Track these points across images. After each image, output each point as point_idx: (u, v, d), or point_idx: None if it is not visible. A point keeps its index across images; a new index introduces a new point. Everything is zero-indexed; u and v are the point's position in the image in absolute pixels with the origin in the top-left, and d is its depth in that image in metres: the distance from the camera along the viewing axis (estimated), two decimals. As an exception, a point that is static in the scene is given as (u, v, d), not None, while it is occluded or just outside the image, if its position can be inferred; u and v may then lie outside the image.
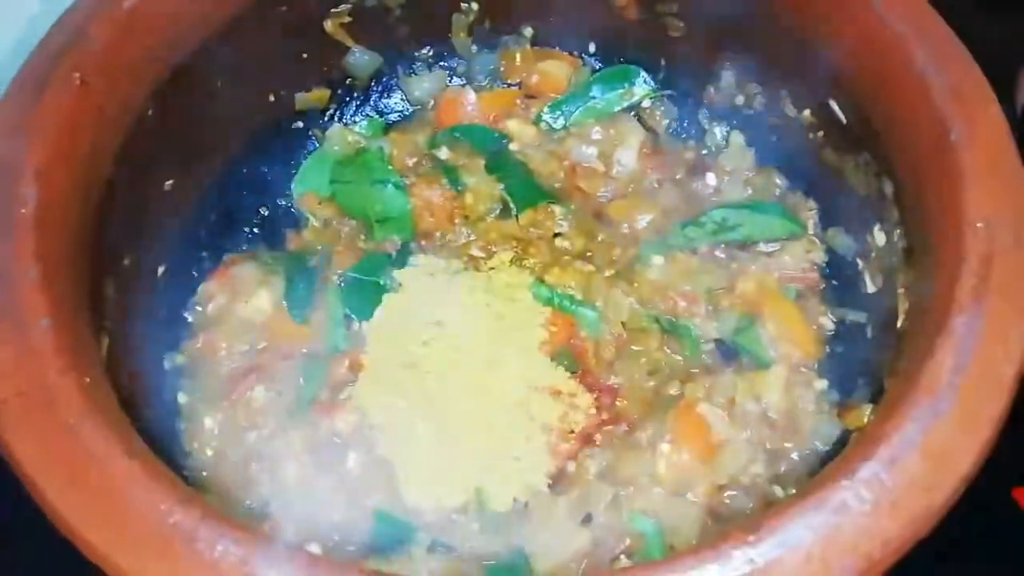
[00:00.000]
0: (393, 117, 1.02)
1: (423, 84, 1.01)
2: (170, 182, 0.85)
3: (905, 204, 0.72)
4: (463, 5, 0.97)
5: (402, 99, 1.02)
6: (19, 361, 0.53)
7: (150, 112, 0.77)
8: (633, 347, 0.85)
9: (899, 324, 0.69)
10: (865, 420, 0.66)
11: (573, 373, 0.83)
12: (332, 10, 0.92)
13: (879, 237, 0.80)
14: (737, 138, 0.96)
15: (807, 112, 0.88)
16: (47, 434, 0.50)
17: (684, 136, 0.99)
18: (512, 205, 0.92)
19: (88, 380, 0.54)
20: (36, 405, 0.51)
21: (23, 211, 0.59)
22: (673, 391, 0.82)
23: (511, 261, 0.90)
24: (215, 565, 0.47)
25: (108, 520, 0.47)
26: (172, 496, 0.48)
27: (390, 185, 0.92)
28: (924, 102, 0.66)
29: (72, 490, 0.48)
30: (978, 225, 0.60)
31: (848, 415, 0.71)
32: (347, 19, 0.93)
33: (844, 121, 0.81)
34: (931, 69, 0.67)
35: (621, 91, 0.98)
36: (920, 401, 0.51)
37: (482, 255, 0.91)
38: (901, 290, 0.71)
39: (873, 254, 0.81)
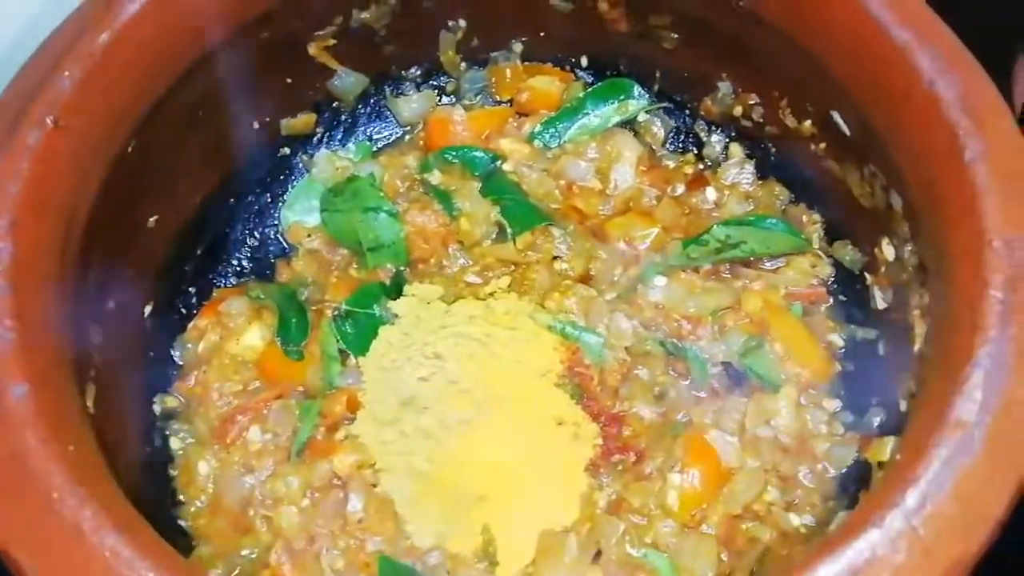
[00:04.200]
0: (381, 141, 0.99)
1: (411, 104, 0.98)
2: (153, 218, 0.82)
3: (916, 219, 0.69)
4: (450, 23, 0.94)
5: (391, 121, 0.99)
6: (-4, 431, 0.49)
7: (130, 149, 0.74)
8: (637, 372, 0.82)
9: (916, 347, 0.67)
10: (887, 454, 0.63)
11: (577, 402, 0.81)
12: (316, 33, 0.89)
13: (888, 251, 0.77)
14: (736, 150, 0.94)
15: (808, 123, 0.85)
16: (28, 508, 0.47)
17: (682, 149, 0.97)
18: (509, 229, 0.89)
19: (72, 448, 0.51)
20: (16, 477, 0.48)
21: (-4, 268, 0.55)
22: (681, 417, 0.80)
23: (509, 287, 0.87)
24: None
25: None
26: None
27: (383, 213, 0.89)
28: (934, 115, 0.64)
29: (55, 570, 0.45)
30: (995, 244, 0.58)
31: (869, 447, 0.68)
32: (331, 42, 0.90)
33: (847, 132, 0.79)
34: (940, 80, 0.64)
35: (615, 105, 0.95)
36: (949, 440, 0.48)
37: (479, 281, 0.89)
38: (916, 311, 0.68)
39: (882, 268, 0.79)
